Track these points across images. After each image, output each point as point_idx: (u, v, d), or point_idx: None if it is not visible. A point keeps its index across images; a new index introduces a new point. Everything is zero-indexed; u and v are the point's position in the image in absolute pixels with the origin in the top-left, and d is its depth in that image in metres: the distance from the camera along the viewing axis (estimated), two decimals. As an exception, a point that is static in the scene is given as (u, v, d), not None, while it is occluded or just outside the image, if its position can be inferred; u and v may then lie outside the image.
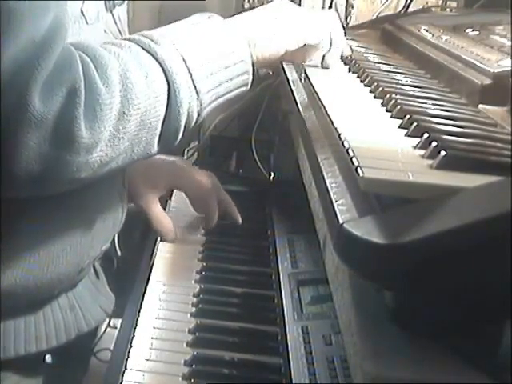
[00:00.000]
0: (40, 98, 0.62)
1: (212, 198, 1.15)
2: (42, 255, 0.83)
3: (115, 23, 0.89)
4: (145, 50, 0.73)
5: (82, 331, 0.97)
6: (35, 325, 0.90)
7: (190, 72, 0.75)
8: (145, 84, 0.71)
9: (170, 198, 1.24)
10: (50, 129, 0.64)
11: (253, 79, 0.83)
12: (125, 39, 0.76)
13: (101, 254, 0.98)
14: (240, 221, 1.20)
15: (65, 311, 0.94)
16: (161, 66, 0.73)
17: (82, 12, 0.79)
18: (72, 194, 0.82)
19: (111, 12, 0.88)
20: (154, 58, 0.73)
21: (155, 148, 0.76)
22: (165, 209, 1.19)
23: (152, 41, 0.74)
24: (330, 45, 0.90)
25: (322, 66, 0.91)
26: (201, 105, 0.77)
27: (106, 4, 0.87)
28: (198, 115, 0.78)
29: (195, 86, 0.75)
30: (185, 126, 0.76)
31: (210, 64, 0.77)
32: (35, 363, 0.97)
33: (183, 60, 0.74)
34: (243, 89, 0.83)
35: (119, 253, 1.12)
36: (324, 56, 0.91)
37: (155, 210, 1.12)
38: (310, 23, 0.89)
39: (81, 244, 0.88)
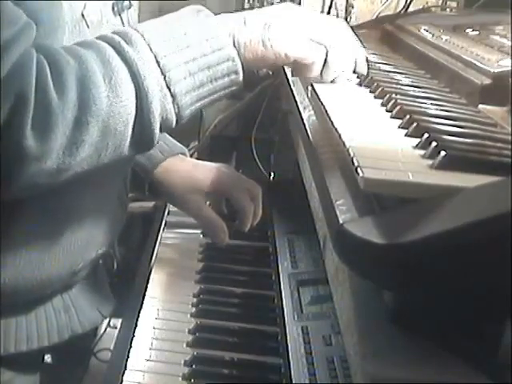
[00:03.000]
0: None
1: (248, 203, 1.08)
2: (33, 257, 0.83)
3: (124, 27, 0.88)
4: (115, 50, 0.71)
5: (75, 333, 0.97)
6: (27, 324, 0.90)
7: (163, 74, 0.71)
8: (107, 88, 0.68)
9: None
10: None
11: (244, 78, 0.77)
12: (99, 38, 0.73)
13: (98, 257, 0.97)
14: (246, 229, 1.10)
15: (58, 312, 0.94)
16: (129, 69, 0.70)
17: (82, 16, 0.78)
18: (66, 197, 0.82)
19: (119, 15, 0.87)
20: (122, 59, 0.70)
21: (126, 152, 0.73)
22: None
23: (125, 41, 0.71)
24: (326, 64, 0.80)
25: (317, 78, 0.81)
26: (178, 107, 0.73)
27: (113, 8, 0.86)
28: (178, 117, 0.74)
29: (169, 89, 0.72)
30: (161, 130, 0.74)
31: (188, 64, 0.73)
32: (31, 362, 0.97)
33: (156, 61, 0.71)
34: (233, 88, 0.78)
35: (118, 255, 1.11)
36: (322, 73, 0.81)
37: (205, 213, 1.07)
38: (306, 38, 0.79)
39: (74, 247, 0.87)
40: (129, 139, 0.72)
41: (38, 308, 0.92)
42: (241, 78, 0.77)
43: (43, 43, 0.70)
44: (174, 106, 0.73)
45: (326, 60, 0.80)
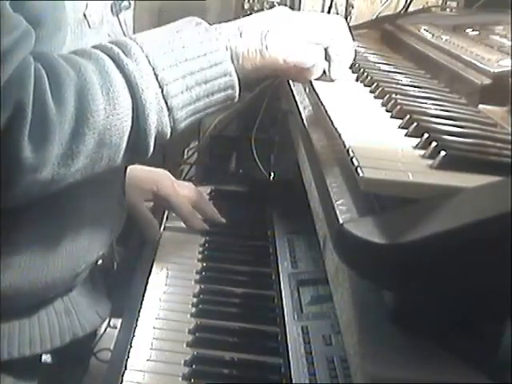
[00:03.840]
0: None
1: (186, 207, 1.20)
2: (38, 259, 0.83)
3: (121, 27, 0.88)
4: (114, 62, 0.71)
5: (76, 336, 0.97)
6: (30, 328, 0.90)
7: (161, 87, 0.72)
8: (105, 101, 0.68)
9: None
10: None
11: (240, 91, 0.78)
12: (97, 47, 0.73)
13: (98, 259, 0.98)
14: (223, 219, 1.24)
15: (60, 315, 0.94)
16: (127, 81, 0.70)
17: (84, 16, 0.79)
18: (69, 200, 0.82)
19: (117, 16, 0.88)
20: (121, 71, 0.70)
21: (119, 162, 0.74)
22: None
23: (123, 52, 0.71)
24: (330, 60, 0.82)
25: (325, 79, 0.83)
26: (174, 120, 0.74)
27: (112, 8, 0.86)
28: (173, 130, 0.75)
29: (166, 102, 0.72)
30: (155, 142, 0.74)
31: (186, 78, 0.73)
32: (31, 365, 0.96)
33: (155, 74, 0.71)
34: (228, 103, 0.78)
35: (117, 255, 1.12)
36: (326, 70, 0.83)
37: (141, 208, 1.16)
38: (303, 41, 0.79)
39: (77, 249, 0.88)
40: (123, 150, 0.72)
41: (41, 312, 0.92)
42: (237, 92, 0.77)
43: (42, 51, 0.70)
44: (169, 120, 0.73)
45: (329, 57, 0.81)
